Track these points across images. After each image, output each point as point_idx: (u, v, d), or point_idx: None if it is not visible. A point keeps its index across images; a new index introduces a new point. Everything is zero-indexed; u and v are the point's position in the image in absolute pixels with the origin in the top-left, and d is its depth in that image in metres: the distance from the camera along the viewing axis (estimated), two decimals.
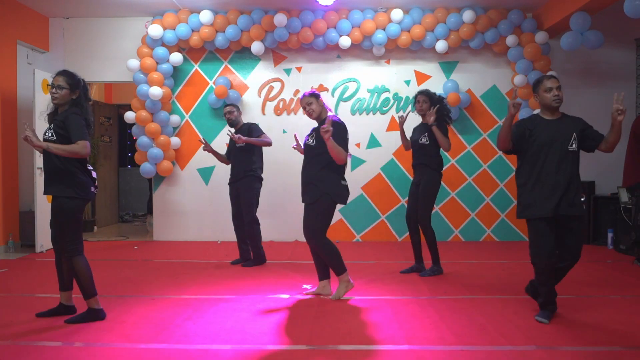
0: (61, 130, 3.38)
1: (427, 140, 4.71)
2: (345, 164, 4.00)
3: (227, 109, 5.42)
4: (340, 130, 3.90)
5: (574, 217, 3.37)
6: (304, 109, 4.06)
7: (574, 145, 3.36)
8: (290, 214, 6.86)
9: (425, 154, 4.75)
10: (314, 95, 4.05)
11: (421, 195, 4.74)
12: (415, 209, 4.79)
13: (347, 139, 3.97)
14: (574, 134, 3.37)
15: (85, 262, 3.45)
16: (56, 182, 3.38)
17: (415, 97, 4.83)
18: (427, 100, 4.73)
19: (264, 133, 5.35)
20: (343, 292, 4.03)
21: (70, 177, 3.37)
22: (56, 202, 3.39)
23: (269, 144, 5.30)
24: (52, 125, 3.44)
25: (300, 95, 4.16)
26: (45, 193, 3.45)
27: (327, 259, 4.00)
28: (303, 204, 4.07)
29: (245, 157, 5.26)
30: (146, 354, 2.91)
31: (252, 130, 5.31)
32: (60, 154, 3.32)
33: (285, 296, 4.13)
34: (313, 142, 4.00)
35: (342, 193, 4.00)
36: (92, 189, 3.51)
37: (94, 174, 3.56)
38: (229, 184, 5.41)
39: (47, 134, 3.42)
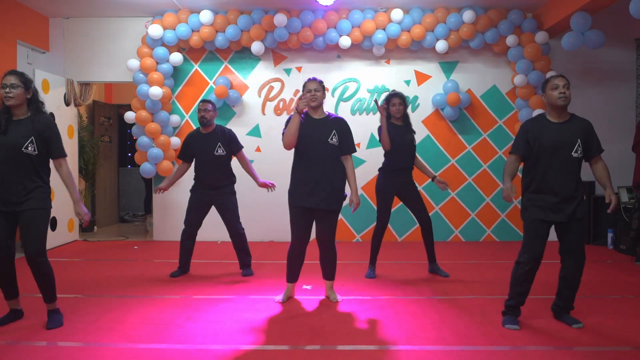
0: (40, 141, 3.25)
1: None
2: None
3: (203, 106, 4.71)
4: (348, 127, 3.83)
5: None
6: (309, 92, 3.74)
7: (578, 152, 3.24)
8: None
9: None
10: (322, 83, 3.83)
11: None
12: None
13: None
14: (579, 139, 3.24)
15: None
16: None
17: (389, 99, 4.69)
18: (402, 103, 4.67)
19: (242, 146, 4.90)
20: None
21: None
22: None
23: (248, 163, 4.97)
24: (32, 137, 3.22)
25: (308, 79, 3.84)
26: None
27: (334, 262, 3.98)
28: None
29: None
30: (146, 354, 2.91)
31: (232, 140, 4.80)
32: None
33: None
34: (336, 141, 3.75)
35: None
36: None
37: None
38: None
39: (29, 148, 3.23)
